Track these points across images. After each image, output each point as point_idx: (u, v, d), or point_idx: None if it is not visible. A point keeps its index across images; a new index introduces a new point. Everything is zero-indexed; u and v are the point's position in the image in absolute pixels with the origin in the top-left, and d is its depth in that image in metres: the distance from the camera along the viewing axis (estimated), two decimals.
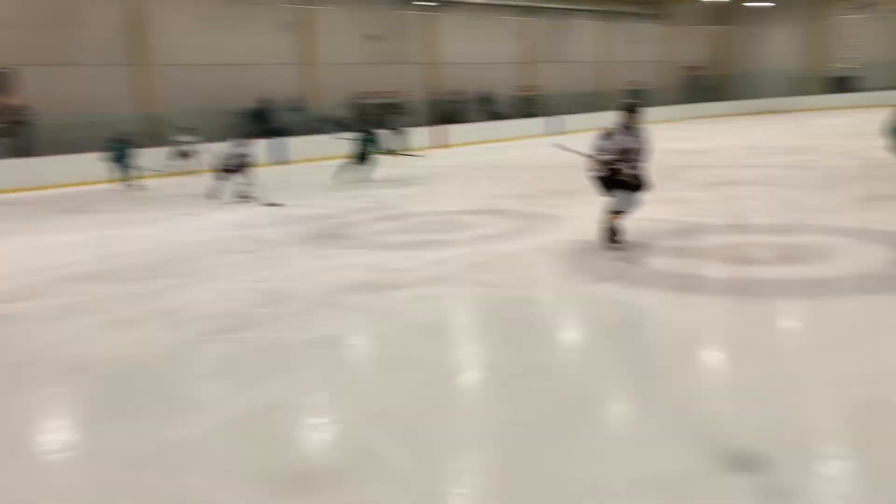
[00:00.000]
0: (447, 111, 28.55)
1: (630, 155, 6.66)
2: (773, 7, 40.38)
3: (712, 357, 4.19)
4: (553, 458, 2.94)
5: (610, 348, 4.30)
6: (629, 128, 6.70)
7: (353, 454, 3.12)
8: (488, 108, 30.44)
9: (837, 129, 21.41)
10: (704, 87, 42.63)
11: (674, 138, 23.07)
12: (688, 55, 41.41)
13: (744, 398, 3.45)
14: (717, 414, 3.29)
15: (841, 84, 39.28)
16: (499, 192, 11.85)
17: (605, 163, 6.64)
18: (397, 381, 3.94)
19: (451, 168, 16.40)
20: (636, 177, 6.70)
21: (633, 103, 6.85)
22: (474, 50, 30.94)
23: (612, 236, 6.79)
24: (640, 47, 38.44)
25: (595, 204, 9.77)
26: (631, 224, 8.01)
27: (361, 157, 14.59)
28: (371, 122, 15.53)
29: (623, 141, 6.65)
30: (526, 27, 33.03)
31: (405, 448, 3.13)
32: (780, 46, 41.60)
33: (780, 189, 10.15)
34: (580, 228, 7.97)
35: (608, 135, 6.72)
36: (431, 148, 21.18)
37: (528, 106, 32.20)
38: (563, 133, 29.25)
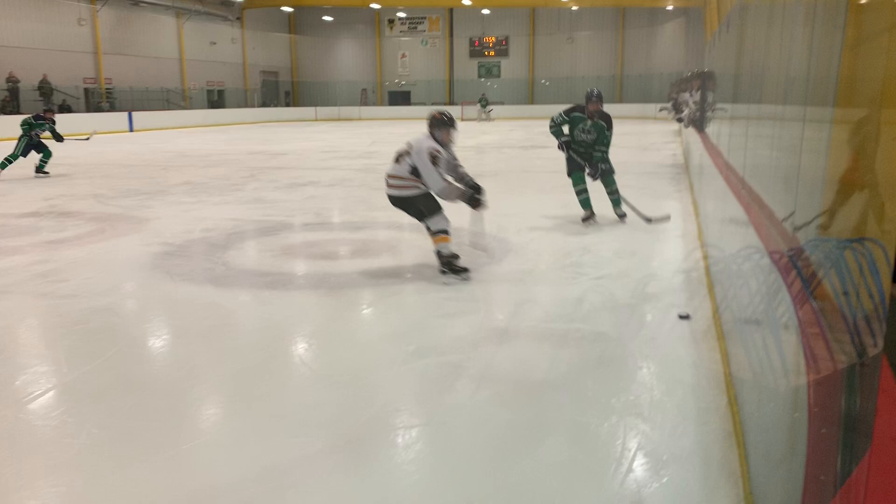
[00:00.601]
0: None
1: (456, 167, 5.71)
2: (345, 23, 43.33)
3: (299, 349, 4.32)
4: (142, 475, 2.73)
5: (200, 352, 4.15)
6: (446, 143, 5.61)
7: None
8: (49, 100, 27.06)
9: (397, 137, 23.88)
10: (280, 91, 43.92)
11: (253, 140, 23.30)
12: (265, 60, 42.15)
13: (327, 386, 3.63)
14: (309, 402, 3.40)
15: (399, 97, 44.03)
16: (68, 193, 10.59)
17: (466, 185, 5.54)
18: None
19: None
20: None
21: (449, 114, 5.68)
22: (31, 34, 27.16)
23: (452, 261, 5.59)
24: (218, 48, 37.90)
25: (180, 205, 9.38)
26: (216, 225, 7.86)
27: (38, 147, 12.49)
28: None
29: (451, 154, 5.68)
30: (93, 15, 30.05)
31: None
32: (351, 59, 44.88)
33: (352, 190, 10.94)
34: (163, 230, 7.57)
35: (437, 156, 5.42)
36: None
37: (96, 100, 29.45)
38: (133, 131, 27.44)
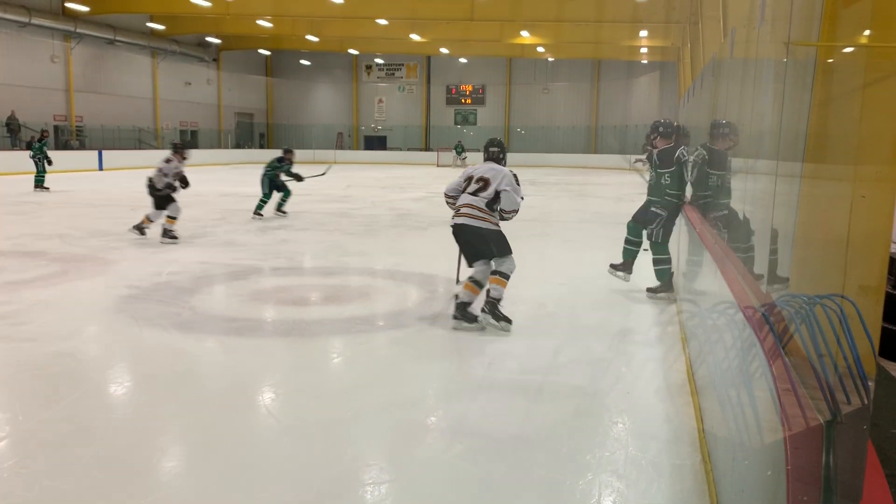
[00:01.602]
0: None
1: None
2: (322, 67, 43.85)
3: (266, 399, 4.24)
4: None
5: (163, 400, 4.06)
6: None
7: None
8: (17, 137, 26.83)
9: (372, 181, 24.00)
10: (255, 133, 44.08)
11: (226, 181, 23.25)
12: (241, 101, 42.36)
13: (294, 438, 3.56)
14: (275, 455, 3.33)
15: (375, 142, 44.43)
16: (33, 232, 10.44)
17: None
18: None
19: None
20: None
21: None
22: (1, 70, 27.08)
23: (498, 306, 5.43)
24: (193, 88, 38.05)
25: (148, 246, 9.29)
26: (185, 268, 7.77)
27: (280, 187, 12.65)
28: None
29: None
30: (67, 52, 30.08)
31: None
32: (327, 103, 45.29)
33: (325, 234, 10.92)
34: (130, 273, 7.47)
35: (516, 175, 5.56)
36: None
37: (66, 137, 29.29)
38: (103, 170, 27.25)
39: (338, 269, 8.05)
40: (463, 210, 5.50)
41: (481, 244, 5.44)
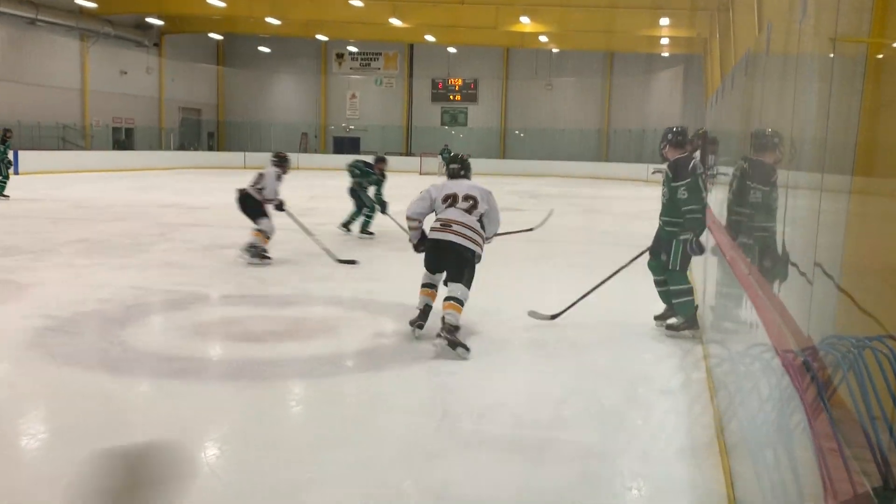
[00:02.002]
0: None
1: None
2: (284, 55, 44.00)
3: (210, 455, 4.19)
4: None
5: (87, 455, 4.00)
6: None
7: None
8: None
9: (341, 192, 23.95)
10: (202, 132, 44.04)
11: (167, 190, 23.19)
12: (186, 94, 42.36)
13: (247, 502, 3.51)
14: None
15: (346, 144, 44.49)
16: None
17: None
18: None
19: None
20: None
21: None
22: None
23: (456, 333, 5.83)
24: (130, 78, 38.03)
25: (71, 268, 9.21)
26: (114, 294, 7.72)
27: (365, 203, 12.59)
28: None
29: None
30: None
31: None
32: (290, 98, 45.34)
33: (283, 255, 10.87)
34: (48, 299, 7.41)
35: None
36: None
37: None
38: (19, 174, 27.13)
39: (299, 298, 8.02)
40: (455, 227, 6.06)
41: (457, 266, 6.07)
